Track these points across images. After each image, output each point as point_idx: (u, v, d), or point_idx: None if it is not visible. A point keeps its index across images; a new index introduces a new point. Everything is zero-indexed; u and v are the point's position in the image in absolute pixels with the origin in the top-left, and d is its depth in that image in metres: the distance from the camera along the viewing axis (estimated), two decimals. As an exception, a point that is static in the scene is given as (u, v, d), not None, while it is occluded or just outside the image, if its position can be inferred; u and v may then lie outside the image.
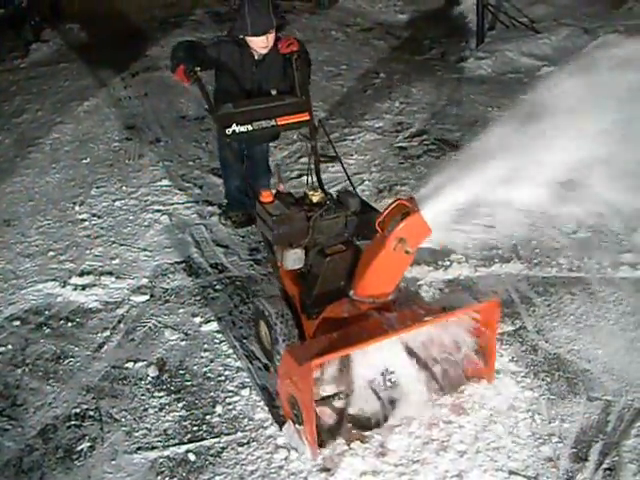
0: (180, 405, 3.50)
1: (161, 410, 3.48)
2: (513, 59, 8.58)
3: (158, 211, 5.39)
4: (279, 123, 3.99)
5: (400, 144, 6.57)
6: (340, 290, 3.43)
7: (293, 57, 4.20)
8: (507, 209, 4.74)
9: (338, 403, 3.25)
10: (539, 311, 4.17)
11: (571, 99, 2.94)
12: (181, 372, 3.73)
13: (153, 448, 3.25)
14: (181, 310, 4.24)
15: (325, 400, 3.23)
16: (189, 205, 5.48)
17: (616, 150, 2.84)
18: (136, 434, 3.34)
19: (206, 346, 3.92)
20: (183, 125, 7.13)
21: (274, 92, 4.30)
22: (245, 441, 3.25)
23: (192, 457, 3.19)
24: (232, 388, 3.60)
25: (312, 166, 4.09)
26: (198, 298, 4.35)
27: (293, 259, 3.42)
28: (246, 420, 3.38)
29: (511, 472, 3.03)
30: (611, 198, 3.02)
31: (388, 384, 3.21)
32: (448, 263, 4.57)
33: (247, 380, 3.64)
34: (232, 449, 3.22)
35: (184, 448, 3.24)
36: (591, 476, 3.03)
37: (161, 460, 3.19)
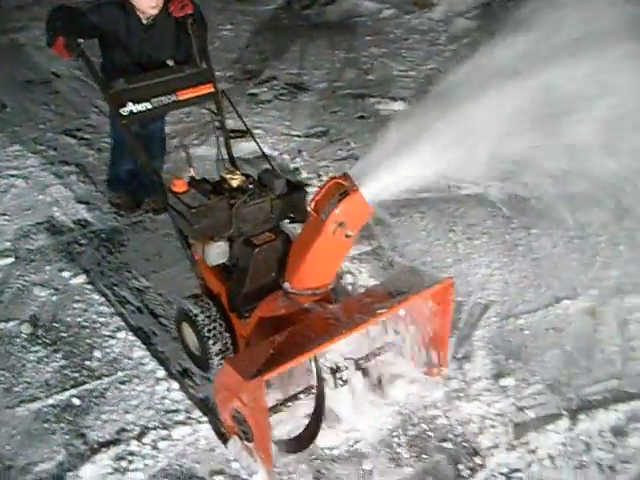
0: (58, 356, 3.51)
1: (39, 363, 3.47)
2: (356, 4, 8.80)
3: (13, 176, 5.21)
4: (180, 98, 3.48)
5: (251, 91, 6.67)
6: (272, 283, 3.09)
7: (188, 20, 3.70)
8: (358, 140, 5.01)
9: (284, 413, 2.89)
10: (393, 231, 4.47)
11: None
12: (55, 325, 3.72)
13: (36, 399, 3.26)
14: (48, 268, 4.18)
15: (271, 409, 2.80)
16: (45, 167, 5.32)
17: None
18: (16, 389, 3.33)
19: (77, 297, 3.92)
20: (30, 89, 6.85)
21: (170, 63, 3.91)
22: (126, 379, 3.33)
23: (76, 401, 3.23)
24: (108, 333, 3.64)
25: (222, 144, 3.59)
26: (64, 254, 4.31)
27: (216, 254, 3.08)
28: (125, 360, 3.45)
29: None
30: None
31: (340, 383, 2.88)
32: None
33: (122, 324, 3.69)
34: (115, 388, 3.29)
35: (67, 394, 3.27)
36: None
37: (45, 409, 3.20)
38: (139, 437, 3.01)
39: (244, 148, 4.72)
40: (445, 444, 2.98)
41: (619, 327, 3.70)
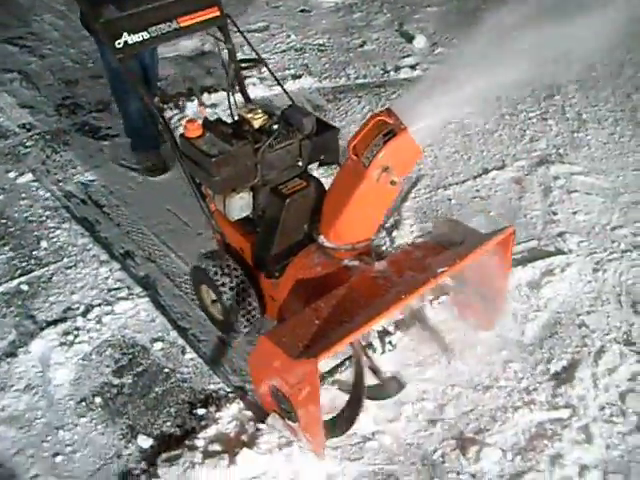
0: (6, 248, 3.58)
1: (-12, 256, 3.56)
2: None
3: (-46, 85, 5.16)
4: (182, 25, 2.93)
5: None
6: (304, 237, 2.68)
7: None
8: (299, 33, 4.97)
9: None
10: (330, 114, 4.52)
11: None
12: (2, 221, 3.76)
13: (-15, 289, 3.36)
14: (-6, 170, 4.22)
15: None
16: (-15, 78, 5.26)
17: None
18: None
19: (23, 195, 3.95)
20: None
21: None
22: (72, 264, 3.43)
23: (25, 287, 3.33)
24: (54, 224, 3.71)
25: (233, 77, 3.12)
26: (10, 157, 4.30)
27: (239, 207, 2.67)
28: (70, 248, 3.54)
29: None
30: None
31: (389, 347, 2.52)
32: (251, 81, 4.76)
33: (67, 215, 3.76)
34: (61, 273, 3.39)
35: (16, 282, 3.36)
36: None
37: (-5, 297, 3.32)
38: (84, 314, 3.12)
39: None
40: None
41: (543, 194, 3.83)
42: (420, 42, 5.37)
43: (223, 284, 2.71)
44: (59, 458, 2.56)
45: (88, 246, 3.52)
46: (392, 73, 5.01)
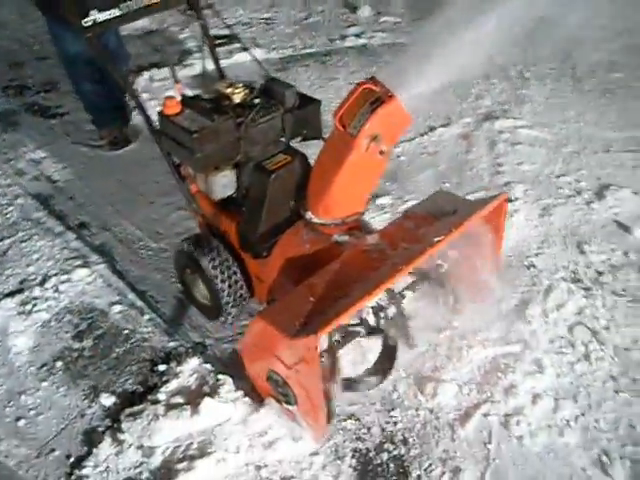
0: (-42, 226, 3.54)
1: (-60, 235, 3.50)
2: None
3: None
4: (153, 1, 2.72)
5: None
6: (290, 214, 2.56)
7: None
8: (246, 8, 4.95)
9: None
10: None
11: None
12: (-46, 201, 3.72)
13: (-63, 267, 3.30)
14: None
15: None
16: None
17: None
18: None
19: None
20: None
21: None
22: (27, 237, 3.38)
23: (-20, 263, 3.29)
24: (5, 201, 3.64)
25: (207, 52, 3.00)
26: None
27: (223, 185, 2.57)
28: (24, 222, 3.48)
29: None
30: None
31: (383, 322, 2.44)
32: (191, 62, 4.75)
33: (20, 191, 3.71)
34: (16, 247, 3.33)
35: (-31, 259, 3.33)
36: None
37: (-52, 275, 3.26)
38: (41, 284, 3.09)
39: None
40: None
41: (489, 147, 3.89)
42: (364, 11, 5.42)
43: (209, 267, 2.61)
44: (22, 422, 2.53)
45: (42, 219, 3.48)
46: (338, 42, 5.06)
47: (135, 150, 4.00)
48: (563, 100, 4.31)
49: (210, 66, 3.05)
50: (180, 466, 2.28)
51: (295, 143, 2.64)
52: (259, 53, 4.84)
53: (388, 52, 4.89)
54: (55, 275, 3.12)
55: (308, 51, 4.89)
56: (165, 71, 4.59)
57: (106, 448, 2.39)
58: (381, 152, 2.17)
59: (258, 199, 2.48)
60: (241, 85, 2.52)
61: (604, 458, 2.31)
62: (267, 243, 2.53)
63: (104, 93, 3.76)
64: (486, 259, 2.56)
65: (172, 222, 3.41)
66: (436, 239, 2.18)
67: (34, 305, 2.98)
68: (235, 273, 2.65)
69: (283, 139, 2.57)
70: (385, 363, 2.43)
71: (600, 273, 3.02)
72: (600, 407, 2.46)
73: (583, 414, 2.44)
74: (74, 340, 2.84)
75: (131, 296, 3.00)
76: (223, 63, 4.56)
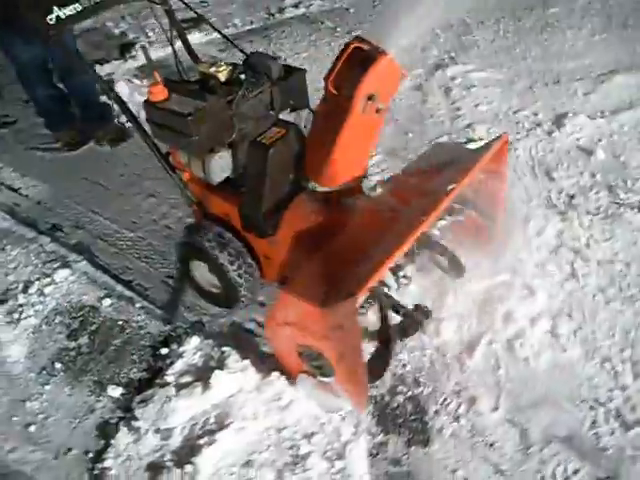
0: None
1: None
2: None
3: None
4: None
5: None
6: (291, 187, 2.49)
7: None
8: None
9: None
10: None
11: None
12: None
13: None
14: None
15: None
16: None
17: None
18: None
19: None
20: None
21: None
22: (-1, 249, 3.34)
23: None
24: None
25: (175, 38, 2.80)
26: None
27: (220, 167, 2.45)
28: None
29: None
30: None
31: (403, 282, 2.52)
32: (133, 54, 4.69)
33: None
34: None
35: (-57, 278, 3.25)
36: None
37: None
38: (24, 290, 3.03)
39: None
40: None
41: (444, 94, 3.94)
42: (299, -18, 5.40)
43: (216, 253, 2.53)
44: (32, 427, 2.50)
45: (13, 228, 3.41)
46: (277, 15, 5.05)
47: (91, 148, 3.94)
48: (507, 41, 4.38)
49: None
50: (201, 441, 2.27)
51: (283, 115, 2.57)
52: (199, 36, 4.80)
53: (329, 18, 4.89)
54: (37, 280, 3.07)
55: (249, 27, 4.86)
56: (109, 67, 4.53)
57: (123, 437, 2.38)
58: (377, 110, 2.13)
59: (258, 176, 2.41)
60: (223, 63, 2.42)
61: (607, 365, 2.39)
62: (272, 220, 2.47)
63: (57, 96, 3.80)
64: (491, 203, 2.55)
65: (145, 210, 3.38)
66: (449, 187, 2.10)
67: (21, 312, 2.93)
68: (242, 255, 2.58)
69: (272, 112, 2.49)
70: (379, 364, 2.34)
71: (572, 196, 3.10)
72: (594, 319, 2.55)
73: (581, 328, 2.51)
74: (69, 340, 2.81)
75: (119, 288, 2.97)
76: (167, 51, 4.62)
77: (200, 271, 2.70)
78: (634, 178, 3.17)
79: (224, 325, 2.74)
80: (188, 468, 2.21)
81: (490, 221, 2.58)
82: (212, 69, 2.38)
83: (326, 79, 2.14)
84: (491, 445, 2.22)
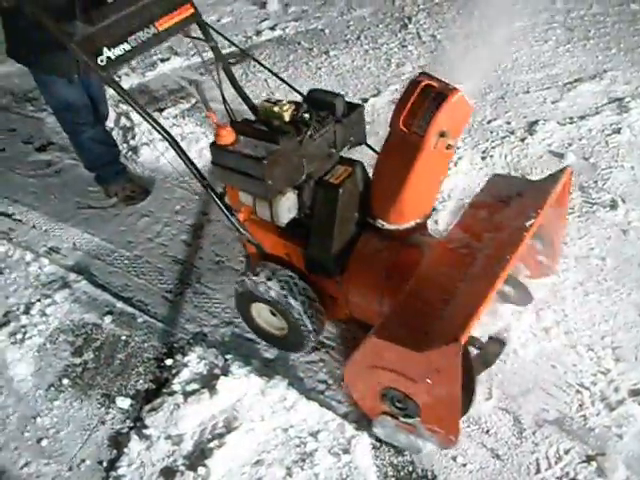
0: None
1: None
2: None
3: None
4: (161, 29, 2.57)
5: None
6: (356, 226, 2.45)
7: None
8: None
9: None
10: (206, 85, 4.61)
11: None
12: None
13: None
14: None
15: None
16: None
17: None
18: None
19: None
20: None
21: None
22: (-2, 273, 3.42)
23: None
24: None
25: (222, 76, 2.76)
26: None
27: (287, 208, 2.38)
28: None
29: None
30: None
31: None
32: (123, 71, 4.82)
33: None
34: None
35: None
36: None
37: None
38: (26, 312, 3.10)
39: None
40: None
41: (420, 108, 4.11)
42: (273, 5, 5.58)
43: (282, 297, 2.45)
44: (44, 442, 2.58)
45: (10, 252, 3.48)
46: (254, 38, 5.20)
47: (83, 172, 4.03)
48: (477, 55, 4.57)
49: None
50: (212, 444, 2.38)
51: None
52: (180, 61, 4.94)
53: (304, 39, 5.07)
54: (38, 301, 3.15)
55: (227, 51, 4.97)
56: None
57: (136, 445, 2.47)
58: (448, 147, 2.13)
59: (328, 216, 2.36)
60: (285, 101, 2.35)
61: (589, 352, 2.55)
62: (340, 260, 2.42)
63: (105, 140, 3.58)
64: (552, 232, 2.57)
65: (140, 229, 3.49)
66: (528, 223, 2.11)
67: (24, 333, 3.00)
68: (312, 296, 2.51)
69: (334, 150, 2.43)
70: (465, 399, 2.14)
71: (547, 198, 3.27)
72: (575, 310, 2.72)
73: (564, 319, 2.68)
74: (74, 356, 2.89)
75: (119, 304, 3.07)
76: (149, 76, 4.77)
77: (264, 314, 2.66)
78: (604, 178, 3.37)
79: (225, 335, 2.85)
80: (201, 470, 2.32)
81: (552, 250, 2.66)
82: (276, 108, 2.31)
83: (395, 117, 2.13)
84: (487, 432, 2.36)
